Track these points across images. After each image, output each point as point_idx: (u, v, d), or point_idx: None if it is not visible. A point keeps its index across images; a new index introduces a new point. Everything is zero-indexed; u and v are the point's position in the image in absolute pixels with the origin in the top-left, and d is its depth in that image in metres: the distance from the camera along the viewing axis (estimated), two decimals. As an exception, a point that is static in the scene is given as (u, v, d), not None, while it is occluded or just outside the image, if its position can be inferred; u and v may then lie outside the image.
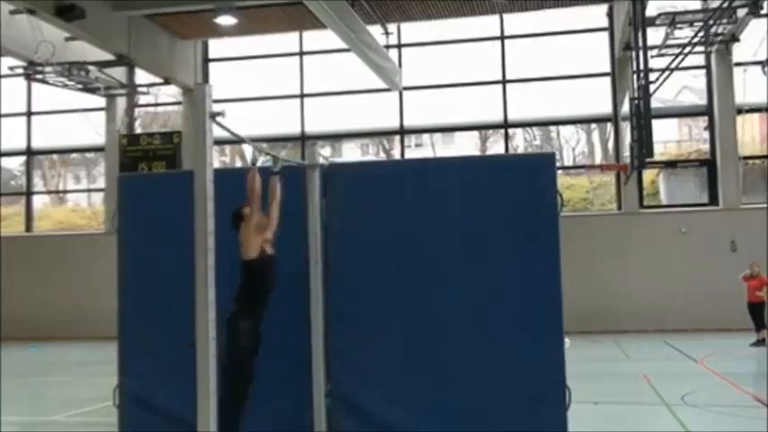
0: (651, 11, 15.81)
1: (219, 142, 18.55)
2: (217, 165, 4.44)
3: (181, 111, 20.85)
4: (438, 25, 19.32)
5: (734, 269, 15.12)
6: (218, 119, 4.46)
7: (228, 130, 4.79)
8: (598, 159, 20.25)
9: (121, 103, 20.06)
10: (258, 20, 18.36)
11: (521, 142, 20.86)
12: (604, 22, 19.23)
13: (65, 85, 17.96)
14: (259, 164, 5.46)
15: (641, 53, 14.46)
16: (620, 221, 18.45)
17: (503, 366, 6.14)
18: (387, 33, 18.89)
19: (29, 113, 21.35)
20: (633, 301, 17.51)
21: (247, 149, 21.19)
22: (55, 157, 22.67)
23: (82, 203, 23.01)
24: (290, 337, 6.34)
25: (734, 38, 17.25)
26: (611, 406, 8.68)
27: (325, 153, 21.35)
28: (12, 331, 18.39)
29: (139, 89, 20.03)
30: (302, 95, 20.37)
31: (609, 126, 19.61)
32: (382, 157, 21.12)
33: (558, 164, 7.82)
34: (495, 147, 20.43)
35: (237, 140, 5.22)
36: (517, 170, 6.51)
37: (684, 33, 16.21)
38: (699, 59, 18.23)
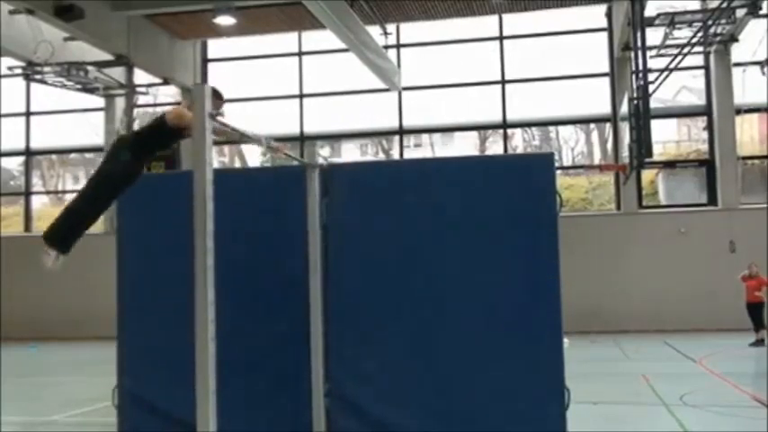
0: (650, 11, 15.83)
1: (218, 143, 18.57)
2: (216, 165, 4.44)
3: (180, 111, 20.83)
4: (437, 25, 19.34)
5: (733, 269, 15.13)
6: (219, 118, 4.47)
7: (230, 127, 4.80)
8: (597, 159, 20.28)
9: (120, 103, 20.05)
10: (257, 20, 18.37)
11: (520, 142, 20.88)
12: (603, 23, 19.25)
13: (63, 86, 17.97)
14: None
15: (640, 53, 14.49)
16: (619, 222, 18.47)
17: (502, 366, 6.14)
18: (386, 33, 18.91)
19: (28, 114, 21.35)
20: (632, 301, 17.53)
21: (247, 149, 21.21)
22: (54, 157, 22.68)
23: (81, 204, 22.99)
24: (289, 336, 6.35)
25: (733, 38, 17.28)
26: (611, 406, 8.69)
27: (324, 153, 21.36)
28: (12, 331, 18.39)
29: (138, 89, 20.03)
30: (301, 95, 20.39)
31: (608, 126, 19.63)
32: (381, 157, 21.14)
33: (557, 164, 7.82)
34: (494, 147, 20.45)
35: (238, 141, 5.20)
36: (516, 170, 6.51)
37: (683, 33, 16.24)
38: (698, 60, 18.26)
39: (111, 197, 5.26)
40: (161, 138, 5.30)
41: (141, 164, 5.36)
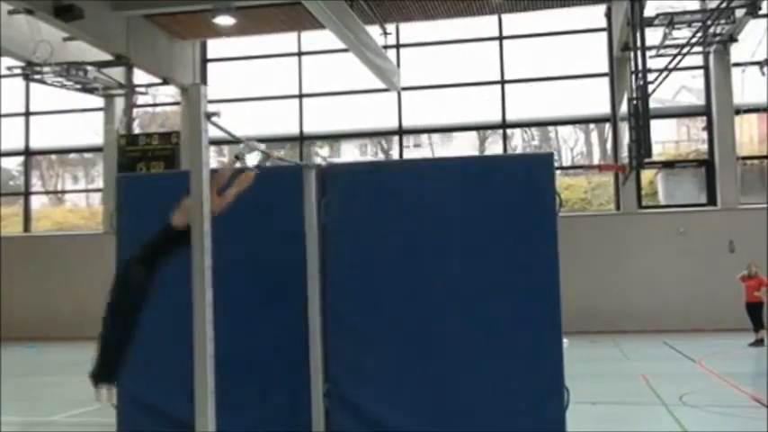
0: (649, 11, 15.83)
1: (218, 142, 18.58)
2: (215, 165, 4.43)
3: (179, 111, 20.85)
4: (437, 25, 19.34)
5: (732, 269, 15.13)
6: (214, 119, 4.46)
7: (224, 129, 4.79)
8: (596, 160, 20.27)
9: (120, 103, 20.05)
10: (257, 20, 18.37)
11: (519, 143, 20.87)
12: (603, 23, 19.25)
13: (63, 86, 17.97)
14: (249, 160, 5.30)
15: (640, 53, 14.49)
16: (619, 222, 18.47)
17: (501, 367, 6.13)
18: (385, 33, 18.91)
19: (27, 114, 21.35)
20: (631, 301, 17.53)
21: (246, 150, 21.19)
22: (53, 157, 22.67)
23: (80, 204, 23.01)
24: (287, 336, 6.34)
25: (732, 38, 17.27)
26: (610, 406, 8.69)
27: (323, 153, 21.38)
28: (11, 331, 18.38)
29: (138, 89, 20.03)
30: (300, 95, 20.38)
31: (607, 126, 19.64)
32: (381, 157, 21.13)
33: (556, 164, 7.82)
34: (494, 147, 20.45)
35: (234, 141, 5.19)
36: (515, 170, 6.50)
37: (683, 34, 16.24)
38: (697, 60, 18.26)
39: (133, 317, 5.18)
40: (172, 243, 5.10)
41: (153, 276, 5.19)
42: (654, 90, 14.78)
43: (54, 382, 12.21)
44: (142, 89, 20.13)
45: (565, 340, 6.29)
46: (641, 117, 14.28)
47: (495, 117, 19.57)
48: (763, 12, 15.61)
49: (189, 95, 4.38)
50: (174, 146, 17.48)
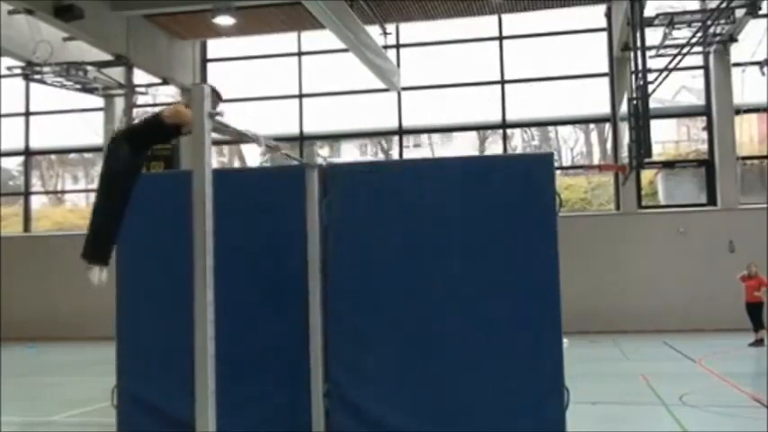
0: (649, 11, 15.83)
1: (218, 143, 18.58)
2: (215, 165, 4.44)
3: (179, 111, 20.84)
4: (437, 25, 19.34)
5: (732, 269, 15.13)
6: (217, 118, 4.47)
7: (229, 126, 4.82)
8: (596, 160, 20.27)
9: (120, 103, 20.03)
10: (257, 20, 18.37)
11: (519, 143, 20.87)
12: (603, 23, 19.25)
13: (63, 86, 17.96)
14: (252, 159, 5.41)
15: (639, 53, 14.48)
16: (619, 222, 18.47)
17: (501, 367, 6.14)
18: (385, 34, 18.91)
19: (27, 114, 21.35)
20: (631, 301, 17.53)
21: (246, 149, 21.21)
22: (53, 157, 22.68)
23: (80, 204, 23.00)
24: (287, 336, 6.35)
25: (732, 38, 17.28)
26: (610, 406, 8.69)
27: (323, 153, 21.39)
28: (11, 331, 18.38)
29: (138, 89, 20.02)
30: (300, 95, 20.39)
31: (607, 126, 19.64)
32: (381, 157, 21.14)
33: (556, 164, 7.82)
34: (494, 147, 20.45)
35: (237, 141, 5.22)
36: (516, 171, 6.51)
37: (683, 34, 16.25)
38: (697, 60, 18.26)
39: (119, 195, 5.25)
40: (157, 134, 5.32)
41: (140, 157, 5.36)
42: (654, 90, 14.78)
43: (54, 382, 12.20)
44: (142, 89, 20.12)
45: (565, 340, 6.30)
46: (641, 117, 14.28)
47: (495, 117, 19.58)
48: (763, 12, 15.61)
49: (192, 95, 4.38)
50: (173, 146, 17.48)
